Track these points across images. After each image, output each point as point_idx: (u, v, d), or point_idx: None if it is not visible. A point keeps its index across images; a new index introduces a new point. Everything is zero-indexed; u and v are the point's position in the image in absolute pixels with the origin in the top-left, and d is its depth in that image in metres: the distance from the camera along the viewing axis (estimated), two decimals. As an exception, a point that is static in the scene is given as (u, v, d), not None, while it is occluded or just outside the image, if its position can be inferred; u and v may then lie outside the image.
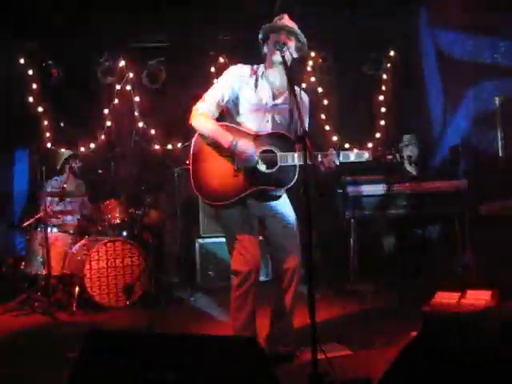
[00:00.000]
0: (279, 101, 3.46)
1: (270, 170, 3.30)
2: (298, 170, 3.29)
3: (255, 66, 3.48)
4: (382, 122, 7.25)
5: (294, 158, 3.27)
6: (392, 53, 7.29)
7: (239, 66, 3.48)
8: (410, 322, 3.55)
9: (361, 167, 6.35)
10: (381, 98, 7.31)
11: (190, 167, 3.35)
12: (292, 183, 3.31)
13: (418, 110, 7.06)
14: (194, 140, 3.41)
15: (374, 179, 5.36)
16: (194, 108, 3.41)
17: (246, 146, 3.26)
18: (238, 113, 3.42)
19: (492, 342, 1.98)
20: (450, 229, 5.27)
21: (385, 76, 7.32)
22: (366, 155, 3.36)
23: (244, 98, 3.40)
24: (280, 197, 3.49)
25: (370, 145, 7.12)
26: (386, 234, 5.51)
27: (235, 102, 3.42)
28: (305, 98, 3.55)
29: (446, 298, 3.42)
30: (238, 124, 3.40)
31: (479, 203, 5.24)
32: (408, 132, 6.08)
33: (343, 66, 7.17)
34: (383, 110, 7.26)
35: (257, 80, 3.43)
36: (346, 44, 6.99)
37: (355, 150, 3.42)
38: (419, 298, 4.97)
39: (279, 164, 3.28)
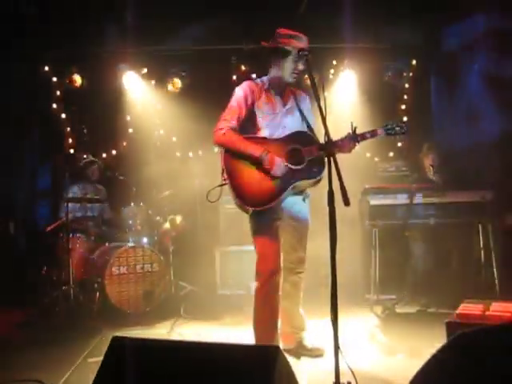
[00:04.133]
0: (289, 105, 3.70)
1: (300, 166, 3.48)
2: (325, 159, 3.36)
3: (259, 80, 3.72)
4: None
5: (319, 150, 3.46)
6: (414, 62, 7.28)
7: (248, 81, 3.69)
8: (434, 334, 3.51)
9: (385, 176, 6.39)
10: (403, 107, 7.31)
11: (228, 181, 3.47)
12: (322, 174, 3.46)
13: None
14: (222, 157, 3.54)
15: (397, 189, 5.30)
16: (216, 129, 3.54)
17: (274, 159, 3.43)
18: (255, 125, 3.60)
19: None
20: (474, 240, 5.19)
21: (407, 85, 7.33)
22: (379, 132, 3.57)
23: (258, 110, 3.62)
24: (304, 192, 3.69)
25: (391, 154, 7.22)
26: (409, 244, 5.43)
27: (251, 115, 3.60)
28: (304, 96, 3.82)
29: (470, 309, 3.38)
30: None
31: (504, 214, 5.17)
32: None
33: (365, 74, 7.14)
34: (405, 119, 7.22)
35: (266, 91, 3.65)
36: (368, 53, 6.97)
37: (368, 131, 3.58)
38: (443, 308, 4.96)
39: (306, 158, 3.47)
